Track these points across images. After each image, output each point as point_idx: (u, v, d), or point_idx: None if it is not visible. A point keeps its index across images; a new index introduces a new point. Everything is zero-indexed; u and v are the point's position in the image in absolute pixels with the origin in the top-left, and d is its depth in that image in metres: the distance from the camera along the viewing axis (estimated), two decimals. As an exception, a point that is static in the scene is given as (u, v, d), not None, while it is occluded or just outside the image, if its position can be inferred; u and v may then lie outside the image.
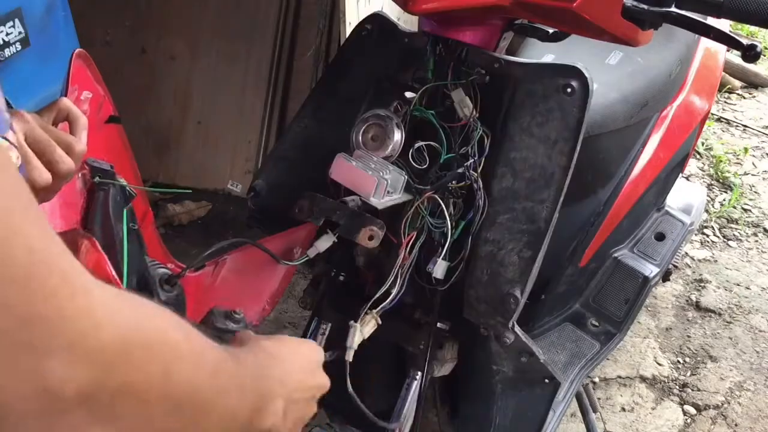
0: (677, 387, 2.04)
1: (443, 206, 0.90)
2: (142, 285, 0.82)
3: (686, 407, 1.98)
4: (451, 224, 0.90)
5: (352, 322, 0.91)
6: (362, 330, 0.91)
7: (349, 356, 0.91)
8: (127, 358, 0.36)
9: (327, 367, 1.23)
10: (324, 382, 0.67)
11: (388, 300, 0.91)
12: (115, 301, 0.36)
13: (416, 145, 0.93)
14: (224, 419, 0.46)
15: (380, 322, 0.92)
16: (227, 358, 0.47)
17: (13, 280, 0.31)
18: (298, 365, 0.62)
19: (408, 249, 0.92)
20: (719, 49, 1.75)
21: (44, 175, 0.65)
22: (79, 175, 0.80)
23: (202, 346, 0.44)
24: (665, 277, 1.80)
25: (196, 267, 0.90)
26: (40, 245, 0.32)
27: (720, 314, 2.30)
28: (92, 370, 0.34)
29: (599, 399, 1.94)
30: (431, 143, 0.93)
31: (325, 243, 0.93)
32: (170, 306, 0.73)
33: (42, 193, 0.66)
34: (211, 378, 0.44)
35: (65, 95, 0.83)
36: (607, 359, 1.88)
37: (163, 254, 0.97)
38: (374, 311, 0.91)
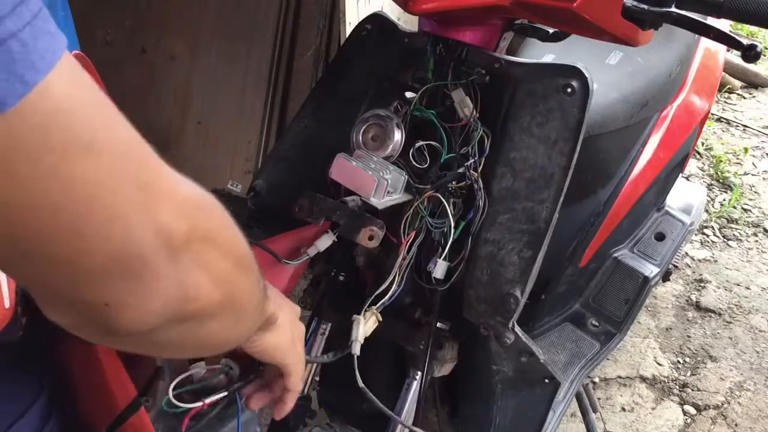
0: (677, 387, 2.04)
1: (445, 204, 0.90)
2: None
3: (686, 407, 1.98)
4: (452, 224, 0.90)
5: (355, 315, 0.91)
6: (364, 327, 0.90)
7: (356, 349, 0.89)
8: (200, 211, 0.45)
9: (328, 367, 1.23)
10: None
11: (387, 297, 0.91)
12: (171, 170, 0.44)
13: (417, 145, 0.93)
14: (255, 287, 0.55)
15: (381, 319, 0.92)
16: None
17: (130, 155, 0.40)
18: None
19: (407, 248, 0.92)
20: (719, 49, 1.75)
21: None
22: None
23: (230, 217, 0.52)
24: (665, 277, 1.80)
25: None
26: (130, 128, 0.41)
27: (720, 314, 2.30)
28: (186, 219, 0.42)
29: (599, 399, 1.94)
30: (432, 143, 0.93)
31: (325, 242, 0.93)
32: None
33: None
34: (245, 243, 0.52)
35: None
36: (607, 359, 1.88)
37: None
38: (374, 308, 0.91)
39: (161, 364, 0.69)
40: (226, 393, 0.68)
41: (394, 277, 0.91)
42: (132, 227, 0.39)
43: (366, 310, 0.91)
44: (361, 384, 0.89)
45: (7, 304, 0.57)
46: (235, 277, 0.50)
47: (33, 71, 0.33)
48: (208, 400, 0.67)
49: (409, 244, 0.93)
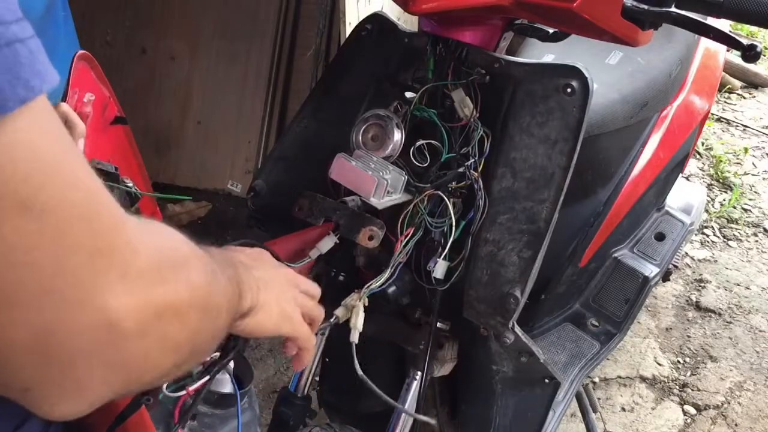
0: (677, 387, 2.04)
1: (446, 202, 0.90)
2: None
3: (686, 407, 1.98)
4: (453, 223, 0.90)
5: (357, 302, 0.89)
6: (348, 305, 0.89)
7: (354, 337, 0.88)
8: (161, 277, 0.38)
9: (328, 367, 1.23)
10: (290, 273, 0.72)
11: (378, 284, 0.90)
12: (140, 228, 0.39)
13: (417, 144, 0.93)
14: (229, 310, 0.51)
15: (367, 303, 0.91)
16: (209, 256, 0.50)
17: (81, 219, 0.34)
18: (258, 258, 0.69)
19: (404, 243, 0.92)
20: (719, 49, 1.75)
21: None
22: None
23: (200, 252, 0.47)
24: (665, 277, 1.80)
25: None
26: (93, 186, 0.35)
27: (720, 314, 2.30)
28: (140, 295, 0.36)
29: (599, 399, 1.94)
30: (432, 141, 0.93)
31: (327, 244, 0.93)
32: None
33: None
34: (213, 278, 0.47)
35: (65, 100, 0.82)
36: (607, 359, 1.88)
37: None
38: (361, 291, 0.90)
39: None
40: (208, 377, 0.67)
41: (389, 269, 0.91)
42: (69, 305, 0.33)
43: (356, 292, 0.90)
44: (360, 372, 0.88)
45: None
46: (199, 328, 0.44)
47: (39, 79, 0.31)
48: (191, 388, 0.66)
49: (407, 239, 0.92)
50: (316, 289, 0.76)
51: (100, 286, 0.35)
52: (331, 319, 0.88)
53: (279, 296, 0.66)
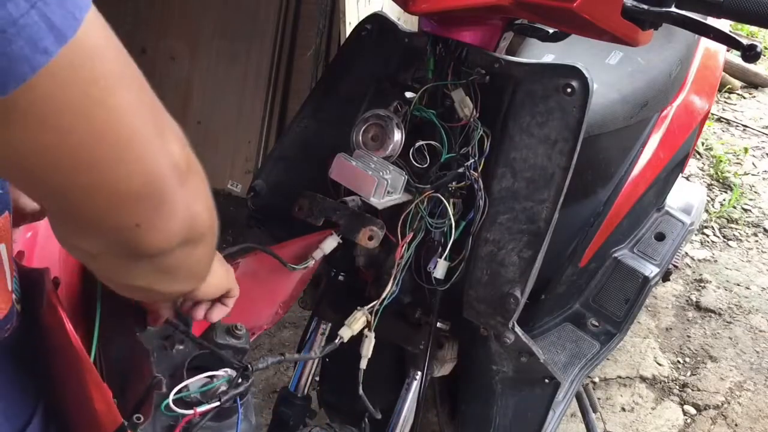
0: (677, 387, 2.04)
1: (446, 204, 0.90)
2: None
3: (686, 407, 1.98)
4: (453, 223, 0.90)
5: (366, 331, 0.91)
6: (352, 326, 0.90)
7: (363, 364, 0.92)
8: (187, 145, 0.49)
9: (328, 367, 1.23)
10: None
11: (381, 298, 0.91)
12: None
13: (416, 145, 0.93)
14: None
15: (370, 318, 0.92)
16: None
17: (146, 91, 0.45)
18: None
19: (405, 248, 0.92)
20: (719, 49, 1.75)
21: (32, 204, 0.69)
22: None
23: None
24: (665, 277, 1.80)
25: None
26: (145, 83, 0.46)
27: (720, 314, 2.30)
28: (185, 150, 0.48)
29: (599, 399, 1.94)
30: (431, 142, 0.93)
31: (330, 245, 0.93)
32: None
33: (31, 216, 0.70)
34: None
35: None
36: (607, 359, 1.88)
37: None
38: (365, 308, 0.91)
39: (158, 375, 0.68)
40: (218, 403, 0.67)
41: (393, 279, 0.91)
42: (156, 154, 0.45)
43: (357, 310, 0.91)
44: (361, 392, 0.91)
45: (9, 286, 0.58)
46: (212, 204, 0.55)
47: (79, 9, 0.39)
48: (200, 410, 0.66)
49: (407, 244, 0.92)
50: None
51: (166, 138, 0.46)
52: (336, 341, 0.90)
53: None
